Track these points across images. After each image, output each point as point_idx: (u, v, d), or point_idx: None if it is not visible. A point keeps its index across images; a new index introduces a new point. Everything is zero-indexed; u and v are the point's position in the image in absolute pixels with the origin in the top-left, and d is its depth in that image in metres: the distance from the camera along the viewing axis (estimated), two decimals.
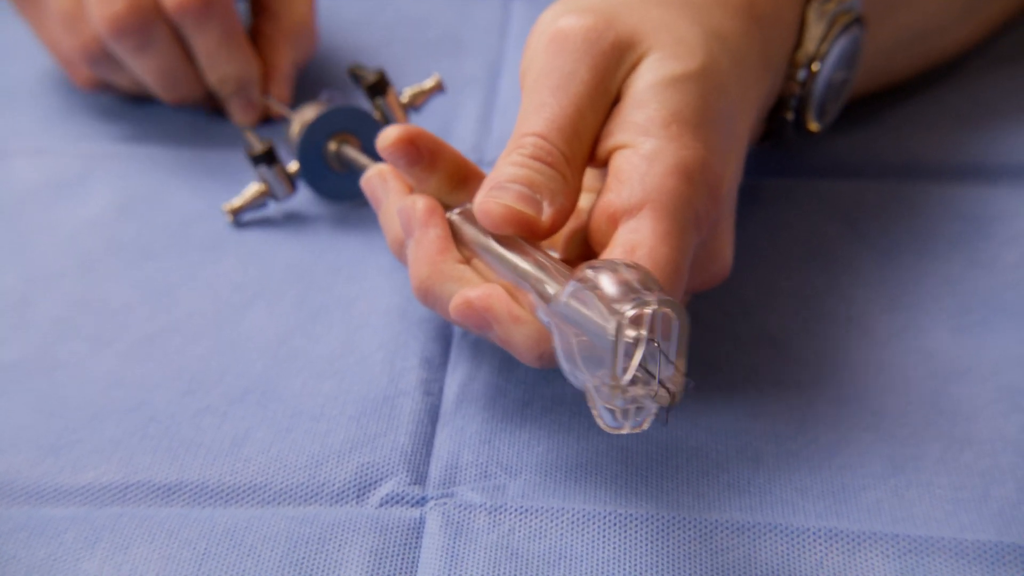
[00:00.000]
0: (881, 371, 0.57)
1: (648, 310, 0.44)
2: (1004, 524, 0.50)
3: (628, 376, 0.44)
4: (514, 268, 0.50)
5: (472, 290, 0.50)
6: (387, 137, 0.54)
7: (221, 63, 0.72)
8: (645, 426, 0.46)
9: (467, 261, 0.53)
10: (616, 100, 0.53)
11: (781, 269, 0.63)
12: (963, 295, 0.61)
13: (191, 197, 0.70)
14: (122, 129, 0.76)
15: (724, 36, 0.55)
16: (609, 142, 0.53)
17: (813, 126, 0.63)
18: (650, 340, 0.44)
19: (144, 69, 0.72)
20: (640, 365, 0.45)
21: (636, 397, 0.45)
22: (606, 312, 0.44)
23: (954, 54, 0.75)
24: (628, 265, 0.46)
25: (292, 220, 0.68)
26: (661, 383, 0.45)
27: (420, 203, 0.54)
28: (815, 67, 0.60)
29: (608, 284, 0.45)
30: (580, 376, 0.46)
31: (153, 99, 0.76)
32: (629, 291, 0.44)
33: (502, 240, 0.51)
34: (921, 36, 0.71)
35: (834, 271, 0.62)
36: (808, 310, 0.60)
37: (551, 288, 0.48)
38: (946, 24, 0.73)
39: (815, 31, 0.60)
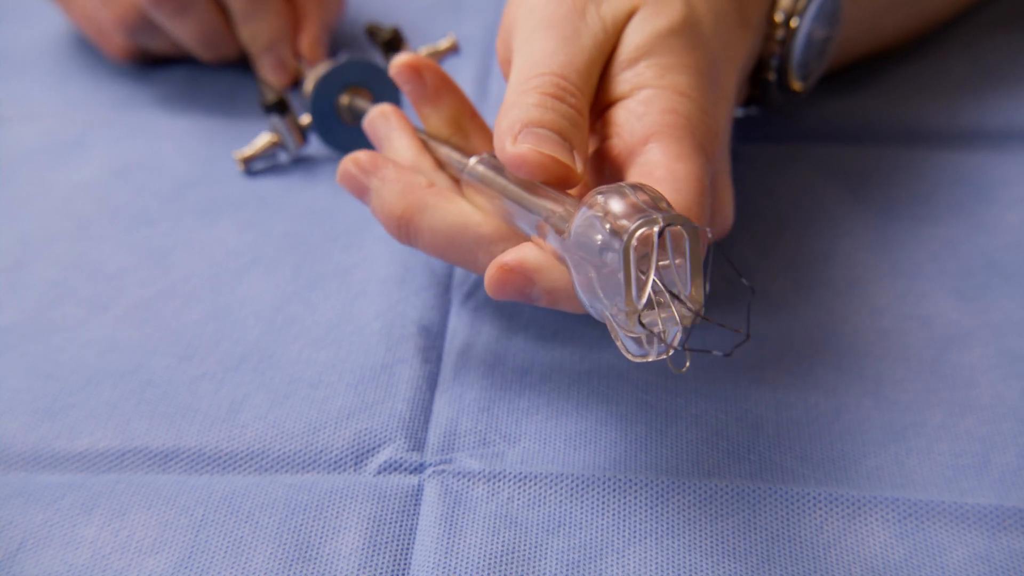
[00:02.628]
0: (881, 337, 0.56)
1: (656, 228, 0.43)
2: (1005, 490, 0.50)
3: (643, 298, 0.43)
4: (537, 208, 0.48)
5: (504, 256, 0.49)
6: (397, 59, 0.55)
7: (254, 18, 0.73)
8: (671, 351, 0.44)
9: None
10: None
11: (780, 234, 0.62)
12: (964, 260, 0.60)
13: (186, 162, 0.70)
14: (118, 94, 0.75)
15: None
16: (603, 100, 0.53)
17: (796, 85, 0.63)
18: (662, 259, 0.43)
19: (184, 32, 0.73)
20: (656, 287, 0.43)
21: (656, 321, 0.43)
22: (614, 233, 0.43)
23: (947, 16, 0.75)
24: (635, 186, 0.44)
25: (289, 188, 0.68)
26: (679, 300, 0.43)
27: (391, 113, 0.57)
28: (793, 23, 0.60)
29: (616, 206, 0.44)
30: (598, 307, 0.45)
31: (177, 60, 0.77)
32: (636, 211, 0.43)
33: (520, 182, 0.50)
34: None
35: (833, 236, 0.62)
36: (807, 275, 0.60)
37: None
38: None
39: None
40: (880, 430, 0.52)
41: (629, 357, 0.45)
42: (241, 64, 0.77)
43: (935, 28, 0.74)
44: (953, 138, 0.68)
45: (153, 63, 0.77)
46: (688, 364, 0.45)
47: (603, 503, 0.50)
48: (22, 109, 0.75)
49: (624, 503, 0.50)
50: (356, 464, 0.52)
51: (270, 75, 0.74)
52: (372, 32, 0.69)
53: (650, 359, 0.45)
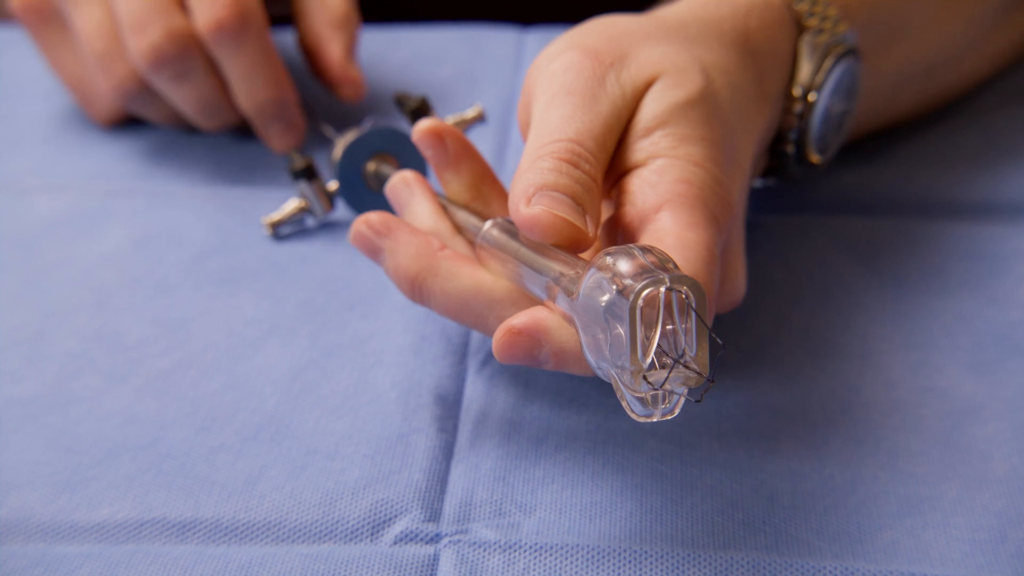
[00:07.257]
0: (896, 409, 0.57)
1: (662, 288, 0.43)
2: (1022, 565, 0.50)
3: (648, 357, 0.44)
4: (548, 269, 0.49)
5: (513, 319, 0.49)
6: (420, 125, 0.56)
7: (258, 87, 0.72)
8: (676, 412, 0.45)
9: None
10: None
11: (794, 306, 0.63)
12: (978, 332, 0.60)
13: (206, 231, 0.70)
14: (137, 166, 0.76)
15: (720, 67, 0.56)
16: (619, 167, 0.53)
17: (814, 158, 0.63)
18: (668, 320, 0.44)
19: (183, 99, 0.72)
20: (662, 348, 0.44)
21: (662, 381, 0.44)
22: (620, 293, 0.44)
23: (963, 89, 0.75)
24: (644, 248, 0.45)
25: (307, 256, 0.68)
26: (684, 364, 0.44)
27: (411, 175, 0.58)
28: (811, 97, 0.61)
29: (624, 266, 0.44)
30: (605, 366, 0.45)
31: (182, 131, 0.78)
32: (643, 271, 0.44)
33: (533, 245, 0.51)
34: (927, 70, 0.71)
35: (847, 308, 0.62)
36: (822, 346, 0.60)
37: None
38: (952, 57, 0.73)
39: (808, 62, 0.60)
40: (896, 503, 0.52)
41: (634, 417, 0.45)
42: (240, 130, 0.78)
43: (950, 102, 0.75)
44: (966, 211, 0.68)
45: (137, 134, 0.78)
46: (677, 413, 0.45)
47: (619, 574, 0.50)
48: (43, 181, 0.75)
49: (639, 574, 0.50)
50: (372, 535, 0.52)
51: (278, 142, 0.74)
52: (400, 101, 0.70)
53: (654, 419, 0.45)
